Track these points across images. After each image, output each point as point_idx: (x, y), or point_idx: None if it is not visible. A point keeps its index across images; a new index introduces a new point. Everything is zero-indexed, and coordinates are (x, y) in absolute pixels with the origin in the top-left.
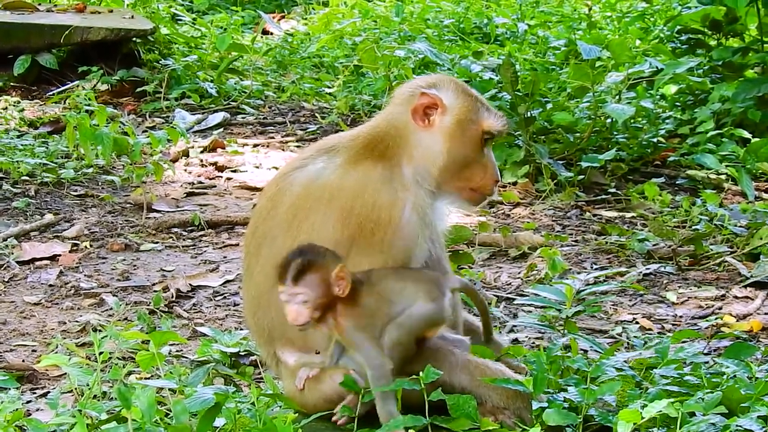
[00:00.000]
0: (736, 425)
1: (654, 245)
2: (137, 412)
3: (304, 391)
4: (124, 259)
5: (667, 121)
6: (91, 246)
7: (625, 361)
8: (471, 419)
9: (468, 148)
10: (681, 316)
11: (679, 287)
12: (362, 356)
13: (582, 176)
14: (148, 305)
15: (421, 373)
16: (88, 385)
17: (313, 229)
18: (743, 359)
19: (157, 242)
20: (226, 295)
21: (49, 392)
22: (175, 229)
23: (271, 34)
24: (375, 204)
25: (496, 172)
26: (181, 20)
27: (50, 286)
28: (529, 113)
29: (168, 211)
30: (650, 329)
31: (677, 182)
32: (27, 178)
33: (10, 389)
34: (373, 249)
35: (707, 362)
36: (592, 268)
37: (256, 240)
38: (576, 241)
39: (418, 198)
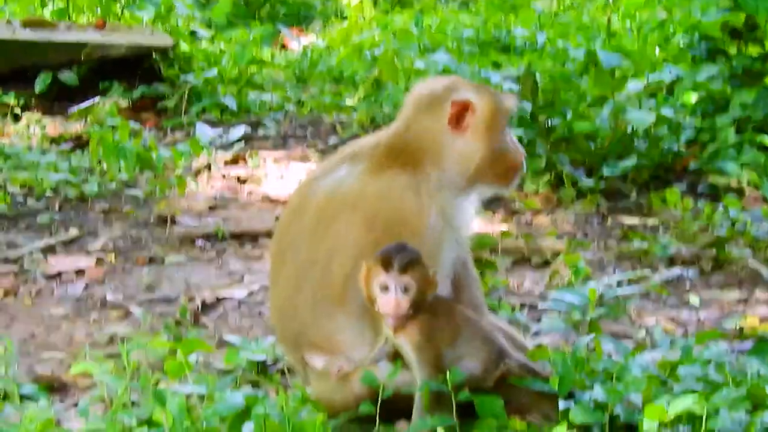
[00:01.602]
0: (762, 421)
1: (676, 250)
2: (169, 416)
3: (335, 387)
4: (149, 272)
5: (687, 128)
6: (116, 259)
7: (649, 362)
8: (499, 419)
9: (498, 139)
10: (705, 319)
11: (702, 291)
12: (419, 370)
13: (603, 184)
14: (174, 317)
15: (448, 374)
16: (117, 393)
17: (337, 236)
18: None
19: (181, 255)
20: (251, 305)
21: (78, 402)
22: (199, 242)
23: (291, 48)
24: (401, 209)
25: (520, 147)
26: (200, 36)
27: (77, 299)
28: (549, 122)
29: (192, 224)
30: (674, 332)
31: (698, 189)
32: (51, 193)
33: (39, 400)
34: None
35: (731, 361)
36: (614, 273)
37: (281, 249)
38: (598, 247)
39: (444, 202)
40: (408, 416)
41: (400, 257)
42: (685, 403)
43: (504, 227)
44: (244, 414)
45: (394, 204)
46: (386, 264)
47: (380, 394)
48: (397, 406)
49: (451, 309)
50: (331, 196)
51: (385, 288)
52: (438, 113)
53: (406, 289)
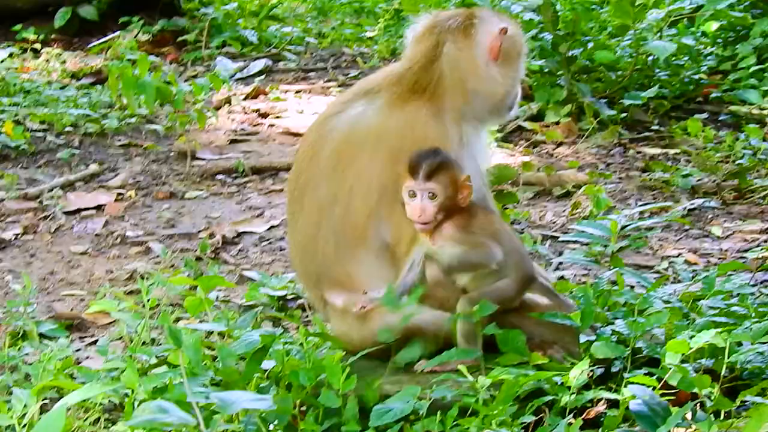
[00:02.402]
0: None
1: (698, 180)
2: (185, 357)
3: (354, 325)
4: (170, 207)
5: (708, 57)
6: (136, 195)
7: (672, 294)
8: (520, 353)
9: (522, 68)
10: (727, 250)
11: (724, 221)
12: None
13: (625, 114)
14: (195, 252)
15: (476, 307)
16: (136, 331)
17: (360, 173)
18: None
19: (201, 190)
20: (271, 240)
21: (98, 340)
22: (220, 176)
23: None
24: (426, 139)
25: None
26: None
27: (96, 235)
28: (570, 53)
29: (212, 159)
30: (696, 263)
31: (720, 118)
32: (70, 129)
33: (59, 338)
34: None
35: (753, 293)
36: (636, 204)
37: (299, 187)
38: (620, 178)
39: (466, 132)
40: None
41: (427, 164)
42: (707, 337)
43: (525, 159)
44: (263, 351)
45: (417, 135)
46: (413, 171)
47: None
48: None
49: (489, 216)
50: (350, 133)
51: (412, 194)
52: (469, 41)
53: (433, 195)
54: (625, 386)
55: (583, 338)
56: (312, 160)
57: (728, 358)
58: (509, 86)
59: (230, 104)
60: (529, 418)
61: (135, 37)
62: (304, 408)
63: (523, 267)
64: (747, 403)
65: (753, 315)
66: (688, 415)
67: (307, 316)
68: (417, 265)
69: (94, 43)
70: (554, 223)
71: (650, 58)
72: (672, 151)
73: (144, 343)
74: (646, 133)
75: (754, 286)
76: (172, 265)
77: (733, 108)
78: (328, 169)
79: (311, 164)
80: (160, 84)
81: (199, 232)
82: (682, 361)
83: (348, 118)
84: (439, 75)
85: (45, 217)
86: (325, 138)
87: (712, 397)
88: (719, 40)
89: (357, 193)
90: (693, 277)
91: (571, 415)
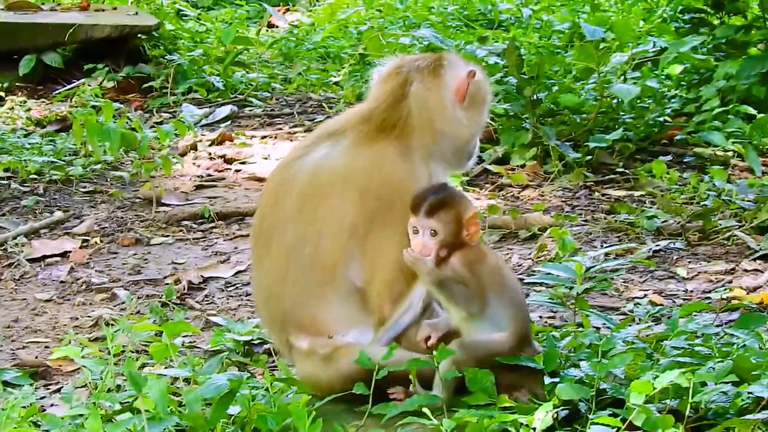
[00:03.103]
0: (748, 392)
1: (663, 222)
2: (150, 402)
3: (321, 368)
4: (135, 254)
5: (672, 99)
6: (101, 241)
7: (636, 335)
8: (488, 394)
9: (486, 112)
10: (692, 291)
11: (689, 262)
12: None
13: (590, 157)
14: (160, 298)
15: (435, 352)
16: (101, 377)
17: (328, 214)
18: (754, 329)
19: (167, 236)
20: (237, 285)
21: (62, 387)
22: (186, 222)
23: (277, 26)
24: (393, 177)
25: None
26: (186, 16)
27: (61, 282)
28: (535, 96)
29: (178, 205)
30: (661, 305)
31: (684, 160)
32: (35, 176)
33: (24, 385)
34: (395, 224)
35: (718, 333)
36: (602, 246)
37: (264, 232)
38: (585, 220)
39: (435, 171)
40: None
41: (429, 201)
42: (671, 377)
43: (491, 202)
44: (229, 396)
45: (386, 173)
46: (415, 207)
47: (375, 375)
48: (387, 385)
49: (498, 263)
50: (316, 174)
51: (415, 230)
52: (438, 81)
53: (434, 232)
54: (590, 427)
55: (548, 380)
56: (276, 204)
57: (692, 398)
58: (473, 130)
59: (196, 150)
60: None
61: (100, 84)
62: None
63: (521, 326)
64: None
65: (716, 355)
66: None
67: (273, 361)
68: (415, 306)
69: (59, 91)
70: (520, 265)
71: (615, 101)
72: (637, 193)
73: (109, 389)
74: (612, 176)
75: (718, 326)
76: (138, 312)
77: (697, 150)
78: (294, 212)
79: (275, 208)
80: (124, 131)
81: (165, 278)
82: (647, 402)
83: (313, 161)
84: (407, 113)
85: (9, 265)
86: (289, 181)
87: None
88: (683, 83)
89: (326, 234)
90: (649, 314)
91: None
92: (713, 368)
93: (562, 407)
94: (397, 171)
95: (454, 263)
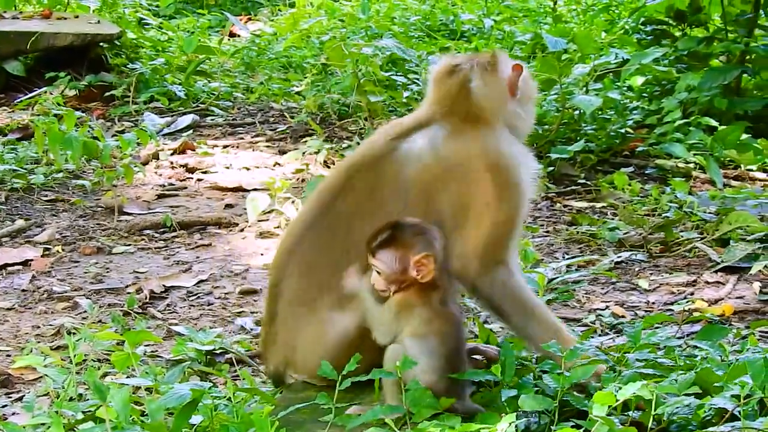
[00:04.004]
0: (710, 404)
1: (625, 234)
2: (112, 412)
3: None
4: (97, 263)
5: (634, 111)
6: (63, 250)
7: (598, 347)
8: (432, 408)
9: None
10: (654, 303)
11: (651, 274)
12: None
13: (551, 168)
14: (122, 307)
15: (398, 363)
16: (63, 386)
17: (453, 198)
18: (716, 341)
19: (129, 245)
20: (199, 294)
21: (24, 396)
22: (147, 231)
23: (239, 36)
24: (508, 166)
25: None
26: (147, 24)
27: (23, 291)
28: None
29: (139, 214)
30: (623, 316)
31: (646, 172)
32: None
33: None
34: (503, 200)
35: (680, 345)
36: (563, 258)
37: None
38: (547, 232)
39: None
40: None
41: (377, 239)
42: (633, 389)
43: None
44: (192, 405)
45: (501, 160)
46: (366, 245)
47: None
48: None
49: (449, 313)
50: (424, 162)
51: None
52: (494, 80)
53: (378, 272)
54: None
55: (511, 392)
56: (365, 199)
57: (655, 410)
58: (530, 121)
59: (158, 159)
60: None
61: (62, 92)
62: None
63: (442, 383)
64: None
65: (680, 367)
66: None
67: (235, 371)
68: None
69: (21, 99)
70: None
71: (577, 112)
72: (599, 205)
73: (71, 398)
74: (573, 187)
75: (680, 338)
76: (100, 321)
77: (659, 161)
78: (417, 201)
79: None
80: (86, 139)
81: (127, 287)
82: (609, 414)
83: (410, 149)
84: (478, 107)
85: None
86: (384, 172)
87: None
88: (645, 95)
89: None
90: (619, 330)
91: None
92: (676, 380)
93: (524, 419)
94: (507, 161)
95: (409, 296)
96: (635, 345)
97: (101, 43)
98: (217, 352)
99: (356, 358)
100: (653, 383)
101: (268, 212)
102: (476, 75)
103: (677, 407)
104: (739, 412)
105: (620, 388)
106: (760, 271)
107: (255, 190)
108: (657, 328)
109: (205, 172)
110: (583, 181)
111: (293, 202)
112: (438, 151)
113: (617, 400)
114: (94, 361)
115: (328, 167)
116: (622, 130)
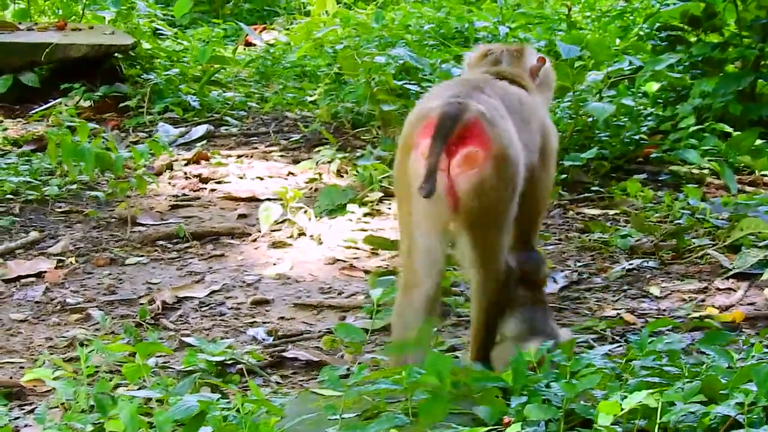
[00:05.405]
0: (715, 412)
1: (636, 241)
2: (119, 424)
3: None
4: (110, 274)
5: (648, 118)
6: (76, 262)
7: (605, 354)
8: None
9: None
10: (665, 310)
11: (662, 281)
12: None
13: (565, 175)
14: (135, 318)
15: (403, 373)
16: (74, 398)
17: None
18: (722, 346)
19: (142, 256)
20: (212, 305)
21: (36, 408)
22: (161, 242)
23: (253, 45)
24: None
25: None
26: (162, 35)
27: (36, 302)
28: None
29: (153, 225)
30: (634, 324)
31: (660, 178)
32: (11, 196)
33: None
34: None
35: (687, 353)
36: (575, 265)
37: None
38: (559, 239)
39: None
40: None
41: None
42: (639, 397)
43: None
44: (200, 417)
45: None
46: None
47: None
48: None
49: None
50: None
51: None
52: (520, 64)
53: None
54: None
55: (518, 400)
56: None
57: (660, 418)
58: (546, 106)
59: (171, 170)
60: None
61: (76, 103)
62: None
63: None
64: None
65: (685, 375)
66: None
67: (245, 382)
68: None
69: (36, 110)
70: None
71: (590, 119)
72: (611, 212)
73: (83, 410)
74: (586, 194)
75: (688, 345)
76: (112, 332)
77: (673, 168)
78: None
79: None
80: (99, 150)
81: (140, 298)
82: (615, 422)
83: (492, 99)
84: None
85: None
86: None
87: None
88: (659, 101)
89: None
90: (626, 338)
91: None
92: (682, 388)
93: (530, 427)
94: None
95: None
96: (642, 353)
97: (116, 54)
98: (228, 363)
99: (362, 367)
100: (659, 391)
101: (281, 222)
102: (506, 59)
103: (683, 415)
104: (744, 419)
105: (625, 397)
106: None
107: (268, 200)
108: (664, 335)
109: (218, 182)
110: (596, 188)
111: (306, 211)
112: (513, 97)
113: (622, 409)
114: (106, 372)
115: (341, 176)
116: (636, 137)
